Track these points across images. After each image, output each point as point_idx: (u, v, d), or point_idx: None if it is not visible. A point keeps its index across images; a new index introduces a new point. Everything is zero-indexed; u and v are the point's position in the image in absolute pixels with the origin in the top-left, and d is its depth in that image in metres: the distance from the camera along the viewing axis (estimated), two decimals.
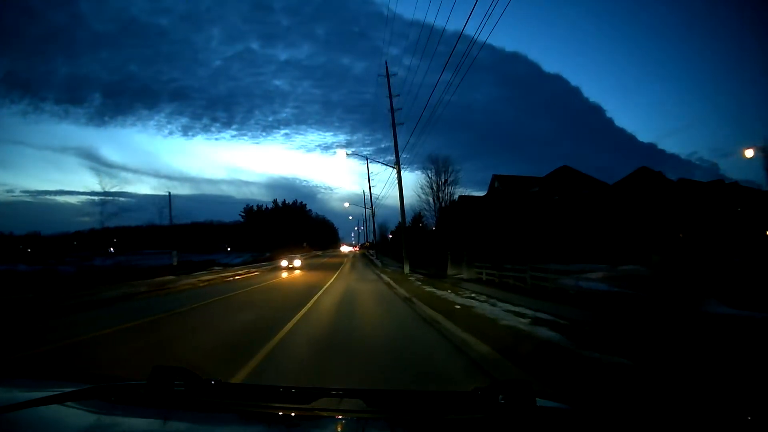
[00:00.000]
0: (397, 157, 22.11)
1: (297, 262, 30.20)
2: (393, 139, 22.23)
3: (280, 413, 1.19)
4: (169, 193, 32.80)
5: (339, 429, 1.18)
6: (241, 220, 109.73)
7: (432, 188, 34.84)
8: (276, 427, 1.15)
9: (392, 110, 22.90)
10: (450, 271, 21.53)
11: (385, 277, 20.64)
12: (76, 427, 1.12)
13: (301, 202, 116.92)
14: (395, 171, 22.85)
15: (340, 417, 1.21)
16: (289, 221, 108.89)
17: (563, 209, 24.11)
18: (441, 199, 33.56)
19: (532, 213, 23.88)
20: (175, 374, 1.24)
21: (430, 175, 35.22)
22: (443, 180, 33.65)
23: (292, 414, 1.19)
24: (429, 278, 18.93)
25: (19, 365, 4.97)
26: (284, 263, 30.15)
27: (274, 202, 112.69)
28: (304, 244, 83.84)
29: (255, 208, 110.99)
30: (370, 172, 45.25)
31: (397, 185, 21.84)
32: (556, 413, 1.19)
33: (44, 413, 1.10)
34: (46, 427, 1.09)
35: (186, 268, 26.89)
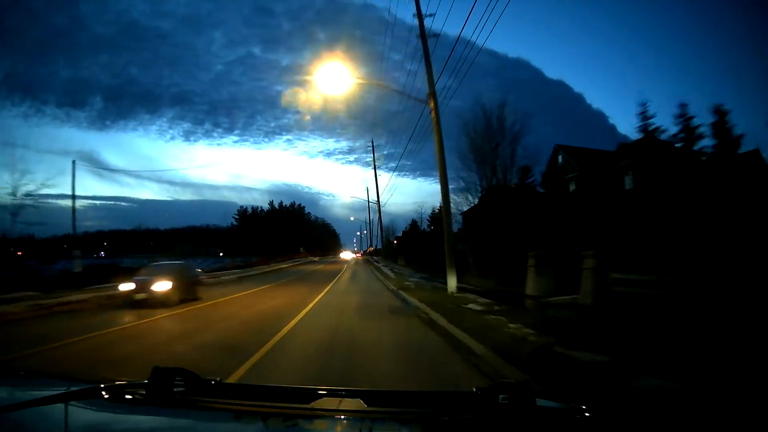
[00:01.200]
0: (431, 81, 12.34)
1: (159, 287, 10.55)
2: (427, 72, 12.39)
3: (280, 413, 1.16)
4: (73, 162, 22.87)
5: (339, 429, 1.17)
6: (235, 223, 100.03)
7: (479, 152, 20.54)
8: (276, 427, 1.13)
9: (419, 12, 13.15)
10: (533, 288, 11.53)
11: (413, 300, 10.71)
12: (79, 426, 1.11)
13: (299, 204, 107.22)
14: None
15: (340, 417, 1.19)
16: (286, 224, 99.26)
17: (682, 192, 14.18)
18: (495, 170, 19.91)
19: (645, 195, 14.03)
20: (175, 374, 1.22)
21: (475, 129, 20.96)
22: (493, 145, 19.95)
23: (292, 414, 1.16)
24: (509, 306, 9.09)
25: None
26: (125, 287, 10.81)
27: (270, 204, 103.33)
28: (301, 249, 74.05)
29: (250, 210, 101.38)
30: (374, 147, 35.42)
31: (435, 130, 12.01)
32: (556, 413, 1.17)
33: (47, 412, 1.09)
34: (49, 427, 1.08)
35: (96, 276, 17.00)
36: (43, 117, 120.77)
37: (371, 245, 61.59)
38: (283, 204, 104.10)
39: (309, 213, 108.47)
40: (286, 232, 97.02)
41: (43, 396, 1.14)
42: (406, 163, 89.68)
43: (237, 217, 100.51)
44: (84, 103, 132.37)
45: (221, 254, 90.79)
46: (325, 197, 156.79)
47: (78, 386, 1.26)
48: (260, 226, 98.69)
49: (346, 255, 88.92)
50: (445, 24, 30.37)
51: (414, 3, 13.12)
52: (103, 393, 1.24)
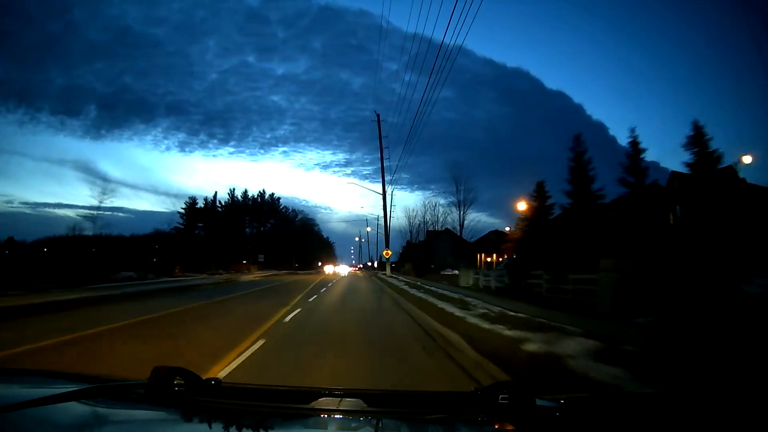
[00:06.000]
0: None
1: None
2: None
3: (280, 413, 1.16)
4: None
5: (339, 429, 1.16)
6: (181, 222, 70.94)
7: None
8: (275, 427, 1.12)
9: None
10: None
11: None
12: (78, 426, 1.08)
13: (272, 194, 75.65)
14: None
15: (340, 417, 1.17)
16: (249, 223, 71.37)
17: None
18: None
19: None
20: (174, 374, 1.20)
21: None
22: None
23: (292, 414, 1.16)
24: None
25: None
26: None
27: (230, 194, 73.37)
28: (260, 258, 45.63)
29: (203, 203, 71.91)
30: None
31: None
32: (557, 413, 1.13)
33: (46, 412, 1.06)
34: (48, 427, 1.05)
35: None
36: (38, 125, 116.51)
37: (386, 248, 31.41)
38: (247, 194, 74.08)
39: (286, 208, 76.88)
40: (245, 235, 69.04)
41: (43, 396, 1.10)
42: (404, 176, 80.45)
43: (183, 212, 71.49)
44: (79, 112, 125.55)
45: (161, 264, 63.40)
46: (323, 210, 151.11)
47: (77, 386, 1.22)
48: (215, 225, 70.60)
49: (341, 269, 63.51)
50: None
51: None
52: (103, 392, 1.22)
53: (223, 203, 71.47)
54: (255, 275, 29.41)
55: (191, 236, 67.17)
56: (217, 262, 43.35)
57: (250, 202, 72.03)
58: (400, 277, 25.44)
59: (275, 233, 69.72)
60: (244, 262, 41.71)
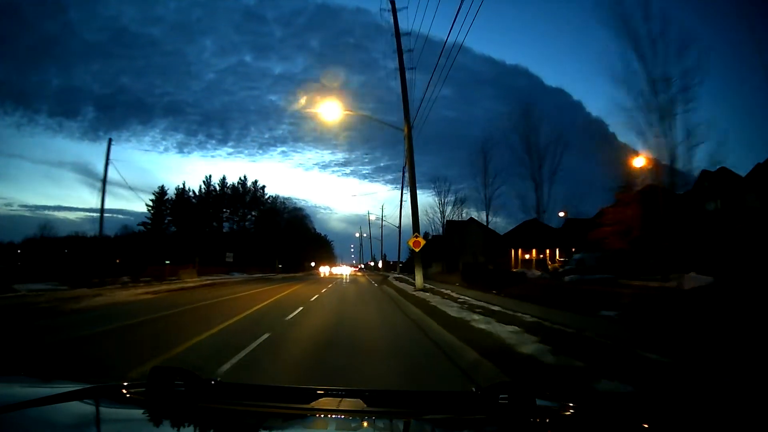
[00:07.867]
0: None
1: None
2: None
3: (280, 413, 1.14)
4: None
5: (339, 429, 1.14)
6: (149, 217, 59.01)
7: None
8: (276, 427, 1.11)
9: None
10: None
11: None
12: (76, 427, 1.05)
13: (255, 182, 62.39)
14: None
15: (340, 417, 1.17)
16: (228, 217, 59.22)
17: None
18: None
19: None
20: (174, 374, 1.17)
21: None
22: None
23: (292, 414, 1.14)
24: None
25: None
26: None
27: (206, 182, 60.91)
28: (228, 257, 33.77)
29: (174, 194, 59.75)
30: None
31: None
32: (557, 413, 1.13)
33: (44, 413, 1.04)
34: (45, 427, 1.02)
35: None
36: (36, 127, 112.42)
37: (415, 232, 14.52)
38: (226, 183, 61.17)
39: (269, 198, 63.49)
40: (222, 230, 56.84)
41: (43, 396, 1.09)
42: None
43: (152, 206, 59.28)
44: (76, 113, 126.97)
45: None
46: (323, 211, 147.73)
47: (77, 386, 1.21)
48: (185, 219, 58.60)
49: (341, 270, 53.24)
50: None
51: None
52: (103, 393, 1.21)
53: (197, 194, 59.65)
54: (161, 287, 17.13)
55: (158, 233, 55.75)
56: (183, 262, 32.05)
57: (230, 192, 59.94)
58: (446, 289, 13.55)
59: (258, 227, 57.72)
60: (167, 262, 29.79)
